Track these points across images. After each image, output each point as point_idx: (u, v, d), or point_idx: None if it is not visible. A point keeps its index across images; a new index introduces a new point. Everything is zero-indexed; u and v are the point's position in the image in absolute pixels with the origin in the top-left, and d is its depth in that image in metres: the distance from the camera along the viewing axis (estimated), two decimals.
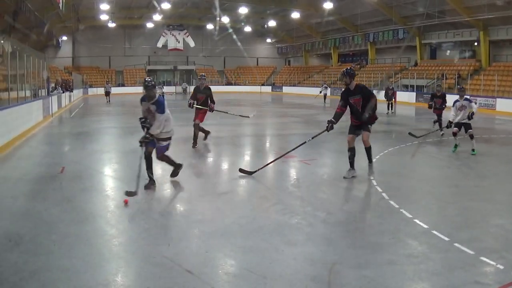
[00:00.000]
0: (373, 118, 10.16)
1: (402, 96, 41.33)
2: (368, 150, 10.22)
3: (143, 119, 8.70)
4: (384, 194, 8.60)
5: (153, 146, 8.92)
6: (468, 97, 13.25)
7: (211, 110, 13.84)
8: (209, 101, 13.73)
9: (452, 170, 11.61)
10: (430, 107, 17.65)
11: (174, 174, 9.61)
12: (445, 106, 17.28)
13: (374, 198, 8.55)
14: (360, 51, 58.15)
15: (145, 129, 8.66)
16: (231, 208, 7.91)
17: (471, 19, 39.42)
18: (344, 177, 9.86)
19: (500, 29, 40.23)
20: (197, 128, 13.74)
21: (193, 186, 9.73)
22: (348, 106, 10.14)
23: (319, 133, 10.58)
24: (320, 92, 36.94)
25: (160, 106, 8.72)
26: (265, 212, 7.60)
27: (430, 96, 18.81)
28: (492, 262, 5.60)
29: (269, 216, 7.38)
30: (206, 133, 14.35)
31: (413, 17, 44.74)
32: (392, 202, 8.11)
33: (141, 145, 8.62)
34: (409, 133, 15.29)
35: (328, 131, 10.18)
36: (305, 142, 10.30)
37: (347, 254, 5.95)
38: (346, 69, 10.10)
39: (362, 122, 10.10)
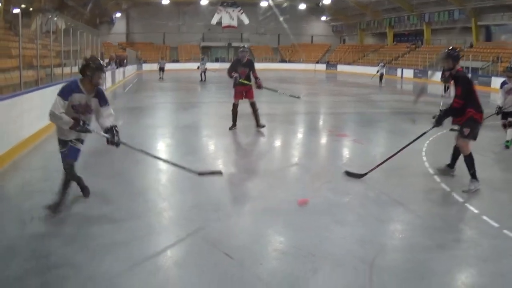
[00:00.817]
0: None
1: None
2: (466, 159, 7.88)
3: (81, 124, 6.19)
4: (436, 177, 8.44)
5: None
6: None
7: (259, 87, 12.61)
8: (251, 77, 12.51)
9: (503, 155, 11.26)
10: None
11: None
12: None
13: (425, 180, 8.38)
14: (416, 31, 57.06)
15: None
16: (283, 186, 7.88)
17: None
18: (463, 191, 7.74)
19: None
20: (234, 107, 12.57)
21: (245, 163, 9.74)
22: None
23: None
24: (377, 71, 36.44)
25: (103, 98, 6.48)
26: (316, 191, 7.54)
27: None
28: None
29: (320, 194, 7.33)
30: (257, 119, 12.72)
31: None
32: (443, 185, 7.97)
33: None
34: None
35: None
36: (425, 132, 8.44)
37: (396, 236, 5.88)
38: (448, 50, 8.14)
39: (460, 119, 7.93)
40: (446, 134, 12.47)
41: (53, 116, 5.99)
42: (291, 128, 14.24)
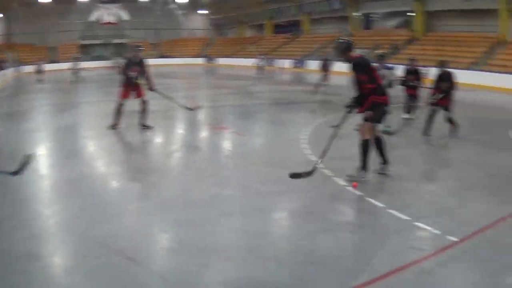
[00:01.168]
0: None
1: (337, 66, 41.76)
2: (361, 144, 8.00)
3: None
4: (318, 161, 8.72)
5: None
6: (389, 65, 13.04)
7: (151, 89, 12.38)
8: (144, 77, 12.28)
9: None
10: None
11: None
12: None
13: (307, 167, 8.64)
14: (295, 22, 58.14)
15: None
16: (166, 182, 7.94)
17: None
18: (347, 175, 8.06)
19: (436, 0, 41.04)
20: (121, 107, 12.22)
21: (127, 163, 9.66)
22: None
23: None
24: (257, 63, 36.72)
25: None
26: (199, 185, 7.66)
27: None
28: (427, 227, 5.85)
29: (203, 188, 7.44)
30: (145, 118, 12.44)
31: None
32: (326, 171, 8.28)
33: None
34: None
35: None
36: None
37: (282, 224, 6.09)
38: (336, 43, 8.30)
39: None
40: (326, 121, 12.96)
41: None
42: (173, 124, 14.30)
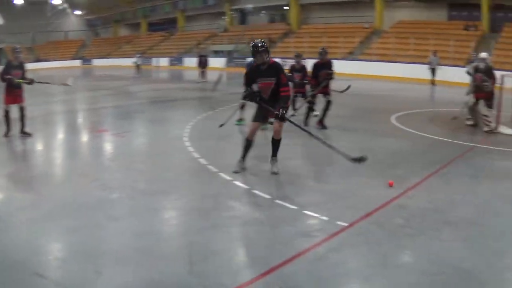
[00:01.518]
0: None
1: (213, 62, 42.11)
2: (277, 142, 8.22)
3: None
4: (201, 160, 8.81)
5: None
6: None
7: (31, 82, 11.64)
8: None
9: (266, 131, 11.99)
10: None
11: None
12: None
13: (192, 164, 8.71)
14: (170, 19, 57.89)
15: None
16: (51, 191, 7.55)
17: None
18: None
19: None
20: (7, 113, 11.40)
21: (9, 173, 9.07)
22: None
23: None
24: (135, 62, 36.15)
25: None
26: (85, 190, 7.36)
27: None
28: (316, 215, 6.05)
29: (89, 193, 7.17)
30: (24, 124, 11.73)
31: None
32: (210, 167, 8.33)
33: None
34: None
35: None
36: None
37: (172, 222, 6.03)
38: (252, 47, 7.93)
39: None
40: (206, 117, 12.98)
41: None
42: (53, 129, 13.66)
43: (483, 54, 13.18)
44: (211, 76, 26.44)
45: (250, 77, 7.94)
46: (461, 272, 4.68)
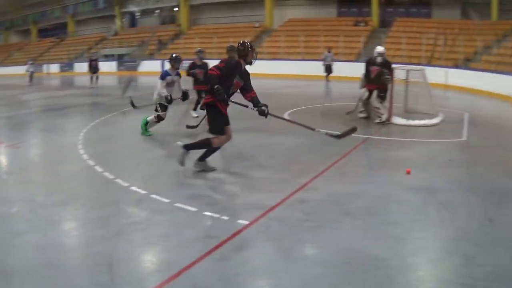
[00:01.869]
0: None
1: (104, 66, 41.62)
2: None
3: None
4: (97, 167, 8.69)
5: None
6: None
7: None
8: None
9: (160, 134, 12.06)
10: None
11: None
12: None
13: (88, 172, 8.59)
14: (61, 24, 56.43)
15: None
16: None
17: None
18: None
19: None
20: None
21: None
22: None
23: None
24: (27, 70, 34.67)
25: None
26: None
27: None
28: (216, 215, 6.13)
29: None
30: None
31: None
32: (106, 174, 8.25)
33: None
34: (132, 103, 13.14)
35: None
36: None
37: (74, 233, 5.97)
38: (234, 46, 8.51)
39: None
40: (99, 123, 12.87)
41: None
42: None
43: (380, 48, 13.81)
44: (103, 80, 26.14)
45: (227, 75, 7.73)
46: (366, 261, 4.91)
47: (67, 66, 45.38)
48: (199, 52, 14.21)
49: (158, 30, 44.64)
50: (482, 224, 6.01)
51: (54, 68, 46.17)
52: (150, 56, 40.84)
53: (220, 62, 8.07)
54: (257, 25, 40.62)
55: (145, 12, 48.96)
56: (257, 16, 41.66)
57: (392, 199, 7.01)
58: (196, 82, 13.88)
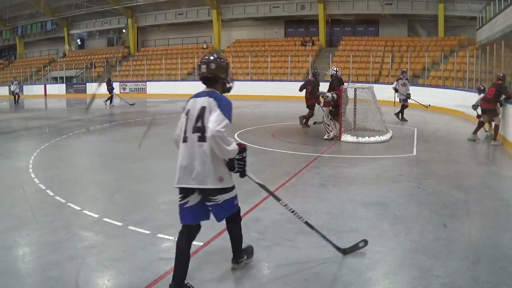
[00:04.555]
0: None
1: (52, 89, 41.24)
2: None
3: None
4: (48, 191, 8.55)
5: None
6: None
7: None
8: None
9: (111, 156, 12.11)
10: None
11: None
12: None
13: (40, 196, 8.41)
14: (9, 46, 55.62)
15: None
16: None
17: (119, 7, 40.76)
18: None
19: (149, 15, 42.28)
20: None
21: None
22: None
23: None
24: (13, 91, 33.00)
25: None
26: None
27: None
28: (170, 237, 6.08)
29: None
30: None
31: (62, 8, 44.67)
32: (58, 198, 8.12)
33: None
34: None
35: None
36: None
37: (28, 259, 5.82)
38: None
39: None
40: (49, 146, 12.70)
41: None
42: None
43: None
44: (52, 103, 25.78)
45: None
46: (323, 277, 4.96)
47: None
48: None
49: (107, 52, 44.57)
50: (436, 236, 6.15)
51: (4, 90, 45.35)
52: (98, 78, 40.69)
53: None
54: (205, 46, 40.82)
55: (93, 34, 48.79)
56: (205, 37, 41.92)
57: (345, 215, 7.08)
58: None
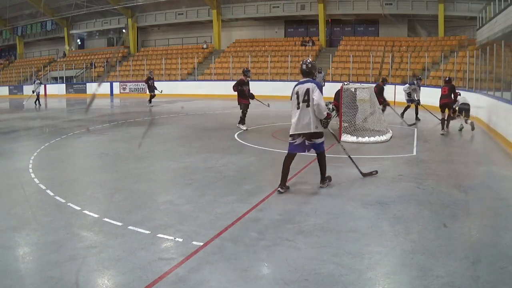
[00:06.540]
0: None
1: (52, 89, 41.21)
2: None
3: None
4: (48, 191, 8.55)
5: None
6: None
7: None
8: None
9: (111, 156, 12.08)
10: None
11: None
12: None
13: (40, 196, 8.39)
14: (9, 46, 55.62)
15: None
16: None
17: (119, 7, 40.71)
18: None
19: (148, 15, 42.23)
20: None
21: None
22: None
23: None
24: (33, 91, 32.44)
25: None
26: None
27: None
28: (170, 237, 6.09)
29: None
30: None
31: (62, 8, 44.64)
32: (58, 198, 8.12)
33: None
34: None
35: None
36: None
37: (28, 259, 5.81)
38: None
39: None
40: (49, 146, 12.70)
41: None
42: None
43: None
44: (51, 103, 25.75)
45: None
46: (323, 277, 4.93)
47: (16, 88, 44.66)
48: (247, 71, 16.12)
49: (107, 52, 44.57)
50: (436, 236, 6.15)
51: (3, 90, 45.43)
52: (98, 79, 40.71)
53: None
54: (205, 46, 40.83)
55: (94, 34, 48.78)
56: (205, 37, 41.92)
57: (346, 216, 7.06)
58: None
